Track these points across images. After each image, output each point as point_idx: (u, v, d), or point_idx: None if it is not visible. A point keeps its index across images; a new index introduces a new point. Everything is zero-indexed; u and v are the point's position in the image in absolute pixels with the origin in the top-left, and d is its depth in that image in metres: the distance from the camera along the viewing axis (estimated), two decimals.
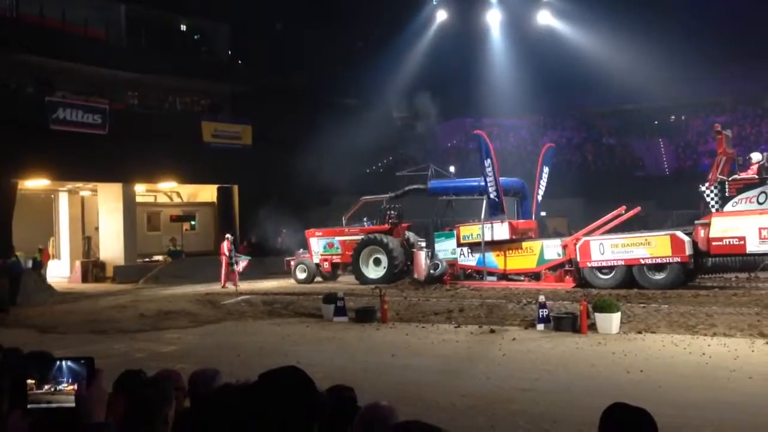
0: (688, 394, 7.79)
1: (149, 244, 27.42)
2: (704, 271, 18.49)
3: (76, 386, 2.28)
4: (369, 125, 27.65)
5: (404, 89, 32.47)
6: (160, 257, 27.13)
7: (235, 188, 28.96)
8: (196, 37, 33.39)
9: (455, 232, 20.46)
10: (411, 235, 22.47)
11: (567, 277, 18.42)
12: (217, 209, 29.57)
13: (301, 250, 23.45)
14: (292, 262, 23.12)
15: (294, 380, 2.04)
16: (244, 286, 21.01)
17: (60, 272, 25.79)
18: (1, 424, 2.45)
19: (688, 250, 16.65)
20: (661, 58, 31.52)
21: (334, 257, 23.04)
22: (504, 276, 19.61)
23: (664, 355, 9.89)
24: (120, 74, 28.02)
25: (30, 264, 21.89)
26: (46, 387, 2.27)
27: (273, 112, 29.71)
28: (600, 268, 17.64)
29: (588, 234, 18.52)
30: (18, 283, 18.69)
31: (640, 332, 11.66)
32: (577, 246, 17.92)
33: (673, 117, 40.83)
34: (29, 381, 2.28)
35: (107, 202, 26.42)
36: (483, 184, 19.96)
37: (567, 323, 12.24)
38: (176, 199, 30.71)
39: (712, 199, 16.46)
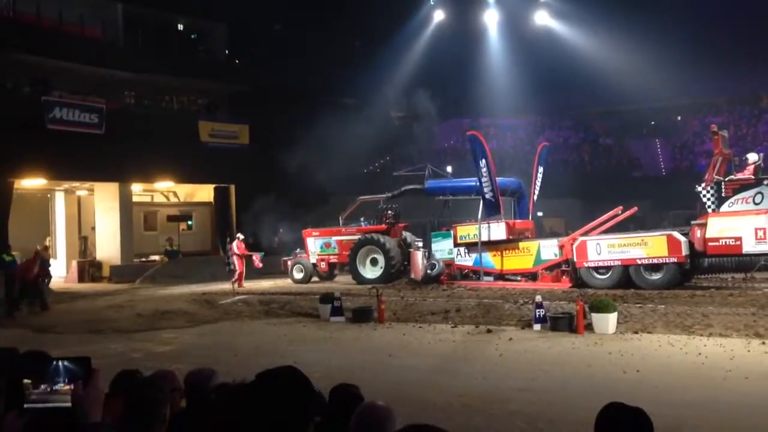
0: (685, 394, 7.81)
1: (146, 244, 27.34)
2: (701, 272, 18.53)
3: (72, 386, 2.27)
4: (366, 125, 27.57)
5: (402, 89, 32.45)
6: (156, 257, 27.08)
7: (232, 188, 28.88)
8: (193, 36, 33.38)
9: (452, 232, 20.41)
10: (408, 235, 22.44)
11: (564, 277, 18.41)
12: (214, 209, 29.50)
13: (298, 250, 23.43)
14: (289, 262, 23.08)
15: (291, 380, 2.04)
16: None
17: (56, 272, 25.68)
18: None
19: (685, 251, 16.63)
20: (657, 58, 31.59)
21: (331, 257, 23.05)
22: (501, 276, 19.57)
23: (660, 355, 9.91)
24: (117, 74, 27.99)
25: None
26: (43, 387, 2.26)
27: (270, 112, 29.69)
28: (597, 269, 17.63)
29: (585, 234, 18.51)
30: (14, 282, 18.56)
31: (636, 332, 11.67)
32: (574, 246, 17.91)
33: (669, 117, 40.88)
34: (25, 381, 2.27)
35: (104, 202, 26.33)
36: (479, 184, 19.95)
37: (564, 323, 12.26)
38: (173, 199, 30.61)
39: (709, 199, 16.45)
